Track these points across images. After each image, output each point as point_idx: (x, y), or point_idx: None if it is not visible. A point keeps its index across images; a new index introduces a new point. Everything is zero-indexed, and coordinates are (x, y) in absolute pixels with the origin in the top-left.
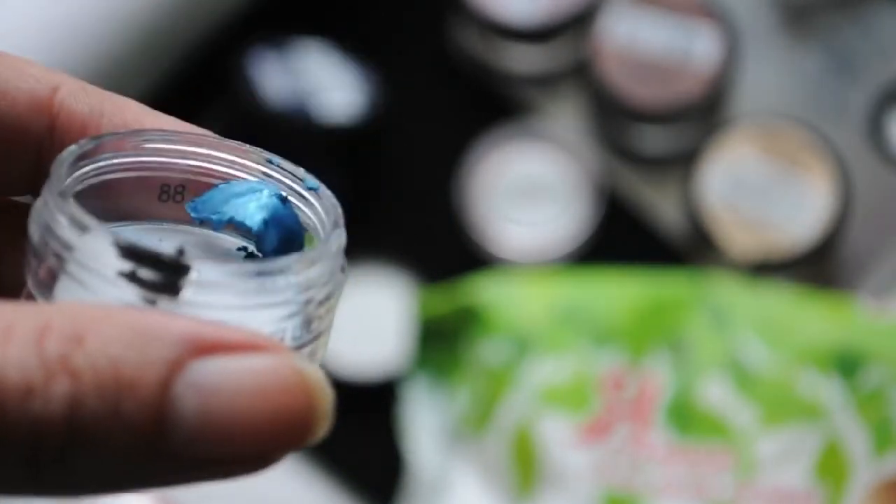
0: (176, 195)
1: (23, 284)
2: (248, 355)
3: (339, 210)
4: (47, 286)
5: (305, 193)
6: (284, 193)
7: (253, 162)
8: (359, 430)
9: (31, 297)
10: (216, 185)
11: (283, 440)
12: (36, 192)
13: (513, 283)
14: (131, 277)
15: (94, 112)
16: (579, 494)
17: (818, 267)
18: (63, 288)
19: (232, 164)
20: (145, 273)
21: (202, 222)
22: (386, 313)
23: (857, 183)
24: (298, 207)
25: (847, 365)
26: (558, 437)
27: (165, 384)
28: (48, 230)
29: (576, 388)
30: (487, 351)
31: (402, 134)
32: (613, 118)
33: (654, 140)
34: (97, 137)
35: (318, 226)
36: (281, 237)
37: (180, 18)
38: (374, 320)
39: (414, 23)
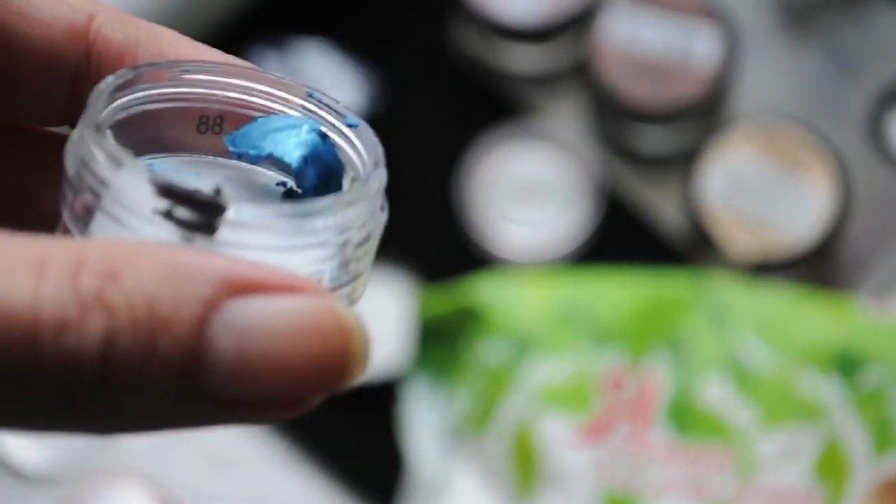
0: (214, 126)
1: (59, 217)
2: (286, 296)
3: (380, 149)
4: (83, 221)
5: (346, 130)
6: (324, 129)
7: (293, 95)
8: (359, 430)
9: (66, 230)
10: (255, 119)
11: (318, 382)
12: (73, 123)
13: (513, 283)
14: (167, 216)
15: (131, 41)
16: (579, 494)
17: (818, 267)
18: (99, 223)
19: (271, 96)
20: (182, 212)
21: (240, 156)
22: (386, 313)
23: (857, 183)
24: (338, 144)
25: (847, 365)
26: (558, 437)
27: (201, 323)
28: (84, 164)
29: (576, 388)
30: (487, 351)
31: (402, 134)
32: (613, 118)
33: (654, 140)
34: (135, 68)
35: (359, 164)
36: (320, 174)
37: (181, 18)
38: (373, 320)
39: (414, 23)
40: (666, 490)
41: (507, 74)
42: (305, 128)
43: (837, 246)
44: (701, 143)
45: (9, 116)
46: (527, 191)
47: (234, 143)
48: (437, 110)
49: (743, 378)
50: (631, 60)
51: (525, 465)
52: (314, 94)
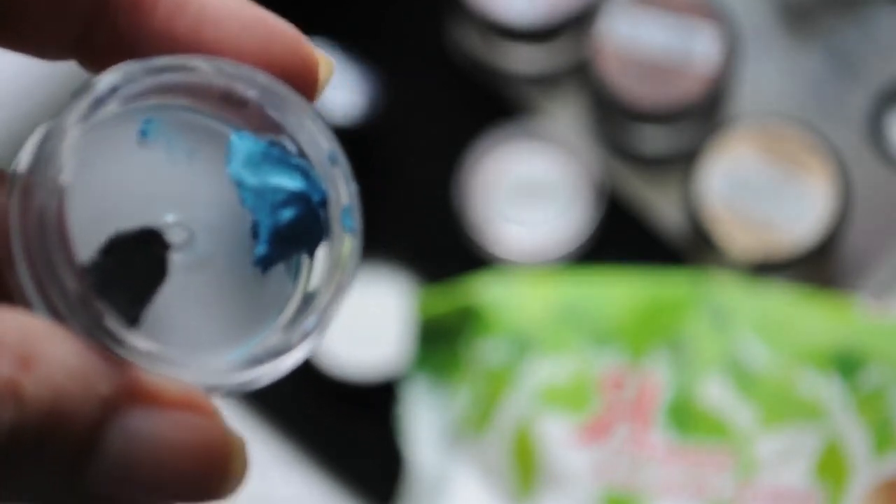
0: (237, 105)
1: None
2: (180, 413)
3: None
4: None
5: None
6: (331, 210)
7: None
8: (359, 430)
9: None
10: (274, 146)
11: (191, 496)
12: (81, 60)
13: (513, 283)
14: (86, 301)
15: None
16: (579, 494)
17: (818, 267)
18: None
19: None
20: (100, 305)
21: (238, 183)
22: (386, 313)
23: (857, 183)
24: (334, 238)
25: (847, 365)
26: (558, 437)
27: (99, 423)
28: (40, 162)
29: (576, 388)
30: (487, 351)
31: (402, 134)
32: (613, 118)
33: (654, 140)
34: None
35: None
36: (283, 252)
37: None
38: (374, 320)
39: (414, 23)
40: (666, 490)
41: (507, 74)
42: (313, 199)
43: (837, 246)
44: (701, 143)
45: (14, 48)
46: (527, 191)
47: (237, 158)
48: (437, 110)
49: (743, 378)
50: (631, 60)
51: (525, 465)
52: (337, 158)
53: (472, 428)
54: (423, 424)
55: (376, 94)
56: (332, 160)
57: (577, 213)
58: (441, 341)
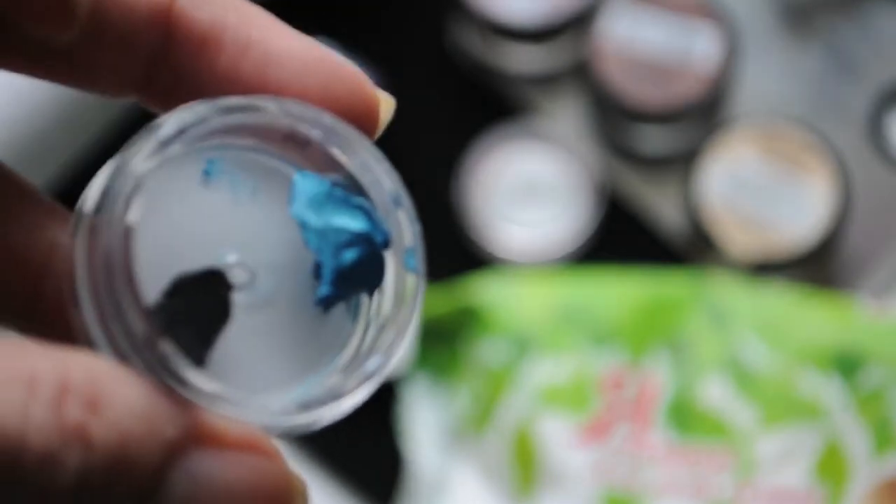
0: (301, 146)
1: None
2: (244, 455)
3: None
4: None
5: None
6: (393, 256)
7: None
8: (359, 430)
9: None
10: (331, 186)
11: None
12: (143, 100)
13: (513, 283)
14: (152, 345)
15: (217, 23)
16: (579, 494)
17: (818, 267)
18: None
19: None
20: (166, 346)
21: (302, 224)
22: None
23: (857, 183)
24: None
25: (847, 365)
26: (558, 437)
27: (164, 466)
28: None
29: (576, 388)
30: (487, 351)
31: (402, 134)
32: (613, 118)
33: (654, 140)
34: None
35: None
36: (344, 291)
37: None
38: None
39: (414, 23)
40: (666, 490)
41: (507, 74)
42: (377, 243)
43: (837, 246)
44: (701, 143)
45: (77, 86)
46: (527, 191)
47: (303, 197)
48: (437, 110)
49: (743, 378)
50: (631, 60)
51: (525, 465)
52: (400, 199)
53: (472, 428)
54: (423, 424)
55: None
56: (396, 201)
57: (577, 213)
58: (441, 341)
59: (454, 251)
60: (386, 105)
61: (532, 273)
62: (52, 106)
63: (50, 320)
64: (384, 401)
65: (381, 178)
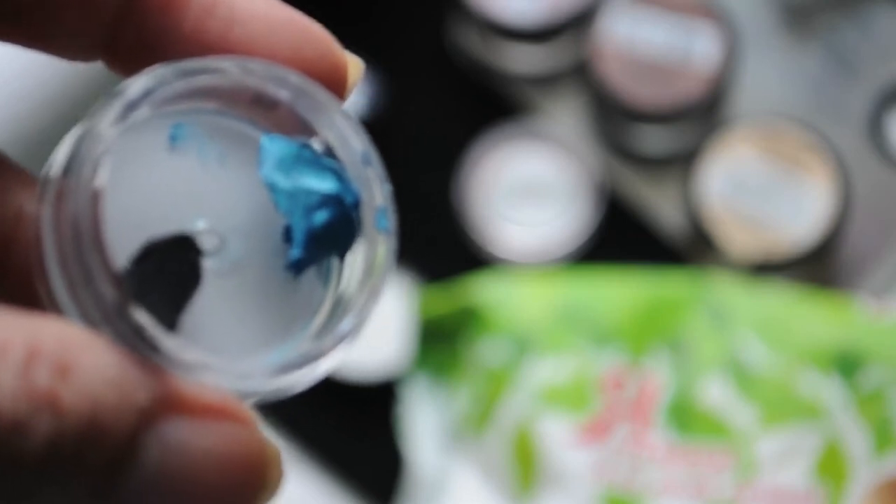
0: (268, 107)
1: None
2: (217, 422)
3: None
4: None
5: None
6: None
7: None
8: (359, 430)
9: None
10: (307, 149)
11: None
12: (107, 62)
13: (513, 283)
14: (123, 312)
15: None
16: (579, 494)
17: (818, 267)
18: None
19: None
20: (140, 316)
21: (270, 186)
22: (386, 313)
23: (857, 183)
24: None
25: (847, 365)
26: (558, 436)
27: (136, 432)
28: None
29: (576, 388)
30: (487, 351)
31: (402, 134)
32: (613, 118)
33: (654, 140)
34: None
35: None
36: (317, 253)
37: None
38: (374, 320)
39: (414, 23)
40: (666, 490)
41: (507, 74)
42: (346, 201)
43: (837, 246)
44: (701, 143)
45: (40, 48)
46: (527, 191)
47: (271, 159)
48: (437, 110)
49: (743, 378)
50: (631, 60)
51: (525, 464)
52: (370, 159)
53: (472, 428)
54: (423, 424)
55: (376, 93)
56: (366, 161)
57: (577, 213)
58: (441, 341)
59: (454, 251)
60: (354, 67)
61: (532, 273)
62: (50, 99)
63: (18, 290)
64: (384, 401)
65: (349, 138)
